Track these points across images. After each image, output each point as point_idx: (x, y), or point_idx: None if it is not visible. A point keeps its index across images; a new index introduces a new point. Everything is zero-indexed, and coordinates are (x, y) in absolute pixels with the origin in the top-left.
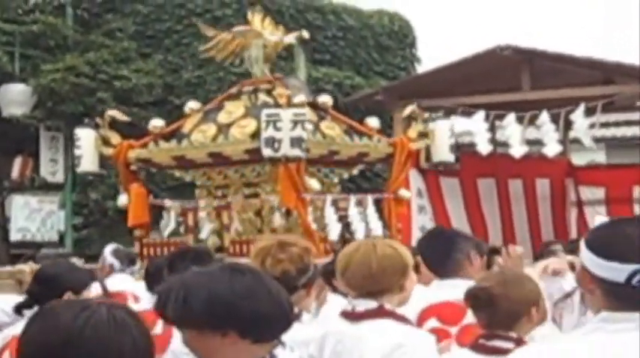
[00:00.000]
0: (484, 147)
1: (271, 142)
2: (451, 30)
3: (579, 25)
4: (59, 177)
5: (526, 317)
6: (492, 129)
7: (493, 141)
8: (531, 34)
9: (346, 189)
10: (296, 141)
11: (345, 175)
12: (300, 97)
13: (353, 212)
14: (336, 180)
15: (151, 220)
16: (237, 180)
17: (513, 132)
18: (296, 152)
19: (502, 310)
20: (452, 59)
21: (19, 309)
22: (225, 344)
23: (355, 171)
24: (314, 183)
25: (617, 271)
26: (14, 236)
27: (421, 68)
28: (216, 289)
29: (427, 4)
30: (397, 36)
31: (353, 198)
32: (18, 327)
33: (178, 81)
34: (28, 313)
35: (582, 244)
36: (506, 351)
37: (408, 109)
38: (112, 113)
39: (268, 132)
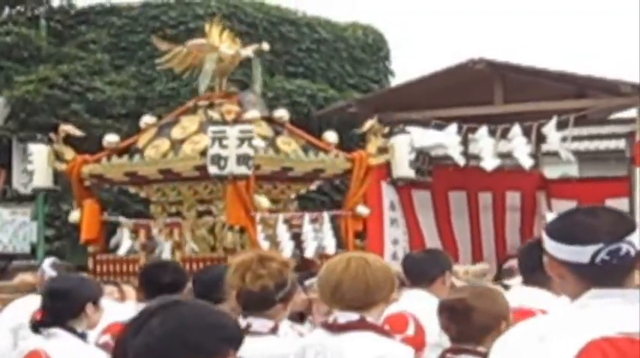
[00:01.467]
0: (459, 160)
1: (217, 160)
2: (425, 43)
3: (551, 39)
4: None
5: (496, 332)
6: (465, 142)
7: (465, 154)
8: (504, 47)
9: (312, 204)
10: (243, 159)
11: (303, 191)
12: (254, 112)
13: (307, 229)
14: (292, 196)
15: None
16: (190, 197)
17: (485, 145)
18: (243, 170)
19: (476, 323)
20: (425, 72)
21: (36, 327)
22: None
23: (313, 187)
24: (263, 201)
25: (580, 253)
26: None
27: (395, 81)
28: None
29: (401, 17)
30: (371, 49)
31: (307, 216)
32: (34, 342)
33: (152, 93)
34: (46, 331)
35: (544, 236)
36: None
37: (368, 124)
38: (66, 128)
39: (214, 150)
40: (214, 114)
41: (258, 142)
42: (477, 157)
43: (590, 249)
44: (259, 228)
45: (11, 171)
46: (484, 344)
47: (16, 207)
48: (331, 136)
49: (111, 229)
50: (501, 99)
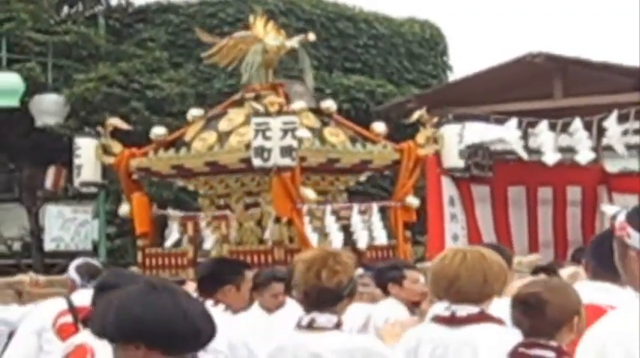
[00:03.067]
0: (520, 154)
1: (261, 152)
2: (483, 37)
3: (612, 32)
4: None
5: (568, 327)
6: (525, 136)
7: (526, 148)
8: (563, 41)
9: (362, 196)
10: (286, 151)
11: (352, 183)
12: (300, 103)
13: (356, 220)
14: (341, 188)
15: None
16: (238, 189)
17: (546, 140)
18: (287, 161)
19: (549, 317)
20: (484, 67)
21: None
22: (137, 356)
23: (362, 178)
24: (310, 193)
25: None
26: (48, 246)
27: (453, 76)
28: (126, 305)
29: (458, 11)
30: (428, 44)
31: (356, 207)
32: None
33: (210, 90)
34: None
35: (630, 230)
36: None
37: (417, 114)
38: (114, 121)
39: (258, 142)
40: (258, 106)
41: (304, 133)
42: (537, 152)
43: None
44: (306, 219)
45: (72, 170)
46: (556, 338)
47: (78, 205)
48: (380, 127)
49: (164, 223)
50: (561, 93)
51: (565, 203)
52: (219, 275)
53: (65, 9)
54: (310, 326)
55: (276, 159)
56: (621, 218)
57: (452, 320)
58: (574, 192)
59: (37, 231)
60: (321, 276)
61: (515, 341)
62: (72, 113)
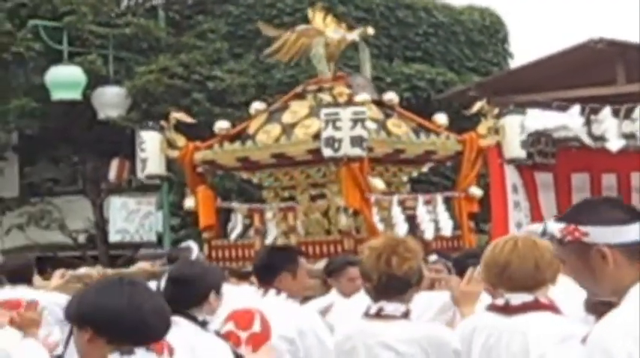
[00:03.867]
0: (584, 141)
1: (331, 142)
2: (543, 24)
3: None
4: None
5: None
6: (588, 123)
7: (589, 134)
8: (625, 26)
9: (424, 188)
10: (357, 141)
11: (415, 174)
12: (364, 96)
13: (421, 211)
14: (405, 178)
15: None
16: (303, 181)
17: (609, 126)
18: (357, 151)
19: None
20: (544, 53)
21: None
22: (84, 340)
23: (424, 169)
24: (379, 183)
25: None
26: (113, 237)
27: (514, 63)
28: (87, 293)
29: None
30: (488, 31)
31: (421, 198)
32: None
33: (271, 80)
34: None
35: (580, 227)
36: None
37: (477, 105)
38: (177, 115)
39: (328, 132)
40: (326, 97)
41: (370, 124)
42: (600, 138)
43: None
44: (374, 210)
45: (135, 162)
46: None
47: (142, 197)
48: (442, 118)
49: (227, 216)
50: (624, 79)
51: (630, 189)
52: (272, 264)
53: (125, 2)
54: (378, 314)
55: (347, 149)
56: (558, 225)
57: (506, 309)
58: (638, 179)
59: (101, 223)
60: (392, 263)
61: (570, 331)
62: (134, 105)
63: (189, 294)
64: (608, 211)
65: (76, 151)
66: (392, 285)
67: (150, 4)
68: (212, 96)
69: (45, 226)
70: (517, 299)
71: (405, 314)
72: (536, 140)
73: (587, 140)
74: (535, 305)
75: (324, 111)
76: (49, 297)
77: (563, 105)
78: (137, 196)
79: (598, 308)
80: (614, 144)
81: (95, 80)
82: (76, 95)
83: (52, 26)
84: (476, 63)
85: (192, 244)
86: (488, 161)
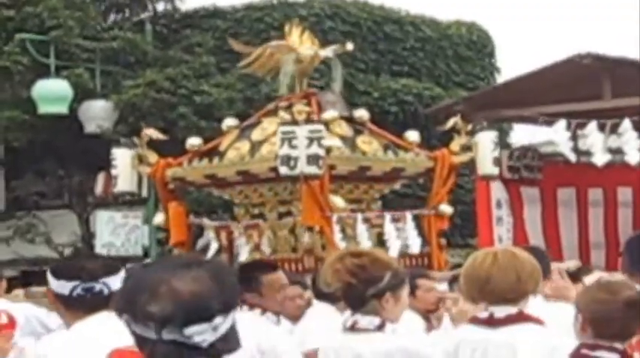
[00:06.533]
0: (570, 156)
1: (287, 160)
2: (530, 39)
3: None
4: (142, 192)
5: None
6: (574, 138)
7: (575, 149)
8: (610, 42)
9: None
10: (313, 159)
11: (386, 190)
12: (332, 112)
13: (389, 228)
14: (376, 195)
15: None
16: (271, 198)
17: (595, 141)
18: (313, 170)
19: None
20: (532, 68)
21: None
22: None
23: (397, 186)
24: (339, 201)
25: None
26: (99, 251)
27: (501, 78)
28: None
29: (505, 13)
30: (476, 46)
31: (388, 215)
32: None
33: (258, 94)
34: None
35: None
36: None
37: (451, 121)
38: (149, 132)
39: (284, 150)
40: (286, 116)
41: (335, 142)
42: (586, 153)
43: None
44: (336, 228)
45: None
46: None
47: (128, 211)
48: (413, 135)
49: (198, 232)
50: (610, 94)
51: (616, 204)
52: (246, 279)
53: (112, 16)
54: (353, 327)
55: (303, 167)
56: None
57: (491, 322)
58: (625, 193)
59: (87, 237)
60: (342, 275)
61: (556, 343)
62: (121, 119)
63: None
64: None
65: (62, 165)
66: (353, 296)
67: (137, 18)
68: (199, 111)
69: (31, 240)
70: (501, 311)
71: (380, 327)
72: (522, 154)
73: (571, 155)
74: (520, 318)
75: (280, 129)
76: (25, 309)
77: (550, 120)
78: (124, 210)
79: None
80: (600, 158)
81: (82, 94)
82: (62, 109)
83: (39, 40)
84: (463, 77)
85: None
86: (475, 177)
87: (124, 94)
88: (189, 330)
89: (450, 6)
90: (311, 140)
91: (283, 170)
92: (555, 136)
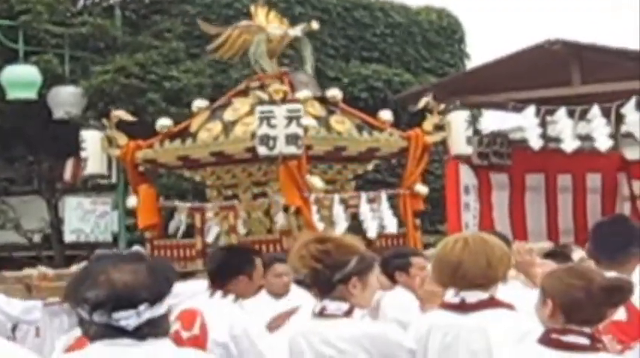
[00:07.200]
0: (535, 143)
1: (266, 140)
2: (500, 25)
3: (629, 19)
4: (112, 176)
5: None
6: (543, 124)
7: (544, 136)
8: (580, 27)
9: (370, 185)
10: (292, 138)
11: (360, 171)
12: (305, 92)
13: (364, 209)
14: (350, 176)
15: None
16: (245, 179)
17: (564, 127)
18: (292, 149)
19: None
20: (501, 55)
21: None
22: None
23: (370, 167)
24: (317, 181)
25: None
26: (68, 237)
27: (471, 64)
28: None
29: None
30: (445, 32)
31: (364, 196)
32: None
33: (228, 80)
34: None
35: None
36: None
37: (423, 101)
38: (118, 113)
39: (263, 130)
40: (263, 95)
41: (310, 122)
42: (555, 139)
43: None
44: (314, 208)
45: None
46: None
47: (97, 196)
48: (386, 114)
49: (171, 215)
50: (579, 80)
51: (585, 190)
52: (230, 266)
53: (81, 1)
54: (322, 313)
55: (282, 148)
56: None
57: (462, 307)
58: (594, 180)
59: (56, 223)
60: (307, 261)
61: (527, 327)
62: (90, 105)
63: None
64: None
65: (31, 151)
66: (320, 280)
67: (106, 4)
68: (168, 96)
69: (0, 226)
70: (472, 296)
71: (348, 313)
72: (491, 141)
73: (537, 142)
74: (491, 303)
75: (258, 108)
76: None
77: (519, 106)
78: (92, 196)
79: None
80: (569, 144)
81: (51, 79)
82: (31, 94)
83: (8, 25)
84: (432, 64)
85: (141, 249)
86: (444, 162)
87: (93, 80)
88: (117, 315)
89: None
90: (290, 119)
91: (262, 150)
92: (524, 122)
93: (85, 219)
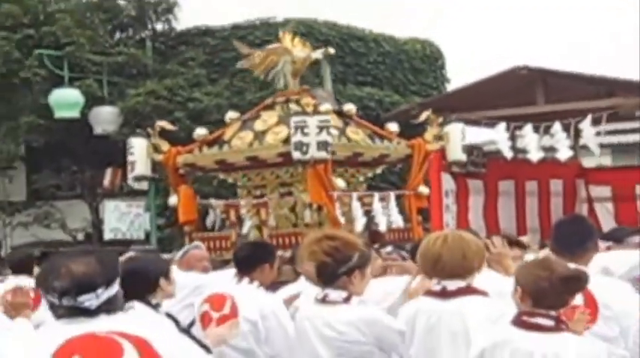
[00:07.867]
0: (506, 154)
1: (300, 146)
2: (476, 54)
3: (586, 45)
4: (144, 185)
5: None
6: (513, 138)
7: (514, 148)
8: (545, 54)
9: (371, 187)
10: (322, 145)
11: (370, 174)
12: (326, 106)
13: (377, 206)
14: (362, 178)
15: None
16: (273, 181)
17: (531, 141)
18: (322, 154)
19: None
20: (477, 78)
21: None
22: None
23: (378, 171)
24: (340, 182)
25: None
26: (107, 235)
27: (450, 86)
28: None
29: (454, 31)
30: (429, 60)
31: (377, 195)
32: None
33: (242, 101)
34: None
35: None
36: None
37: (424, 115)
38: (162, 123)
39: (297, 137)
40: (294, 107)
41: (333, 131)
42: (523, 151)
43: None
44: (337, 205)
45: (126, 170)
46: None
47: (132, 200)
48: (393, 126)
49: (204, 214)
50: (543, 100)
51: (549, 194)
52: (257, 256)
53: (118, 34)
54: (324, 300)
55: (313, 153)
56: None
57: (443, 294)
58: (556, 185)
59: (97, 223)
60: (318, 255)
61: (500, 311)
62: (125, 122)
63: (139, 284)
64: None
65: (75, 162)
66: (326, 273)
67: (139, 36)
68: (192, 115)
69: (48, 225)
70: (452, 285)
71: (346, 300)
72: (469, 152)
73: (508, 153)
74: (468, 290)
75: (293, 119)
76: None
77: (492, 123)
78: (128, 200)
79: None
80: (535, 155)
81: (92, 101)
82: (75, 114)
83: (55, 55)
84: (418, 86)
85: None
86: (429, 168)
87: (127, 101)
88: (81, 298)
89: (406, 25)
90: (320, 129)
91: (296, 155)
92: (496, 136)
93: (122, 219)
